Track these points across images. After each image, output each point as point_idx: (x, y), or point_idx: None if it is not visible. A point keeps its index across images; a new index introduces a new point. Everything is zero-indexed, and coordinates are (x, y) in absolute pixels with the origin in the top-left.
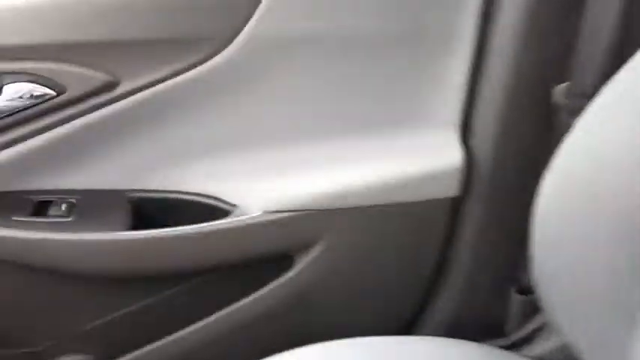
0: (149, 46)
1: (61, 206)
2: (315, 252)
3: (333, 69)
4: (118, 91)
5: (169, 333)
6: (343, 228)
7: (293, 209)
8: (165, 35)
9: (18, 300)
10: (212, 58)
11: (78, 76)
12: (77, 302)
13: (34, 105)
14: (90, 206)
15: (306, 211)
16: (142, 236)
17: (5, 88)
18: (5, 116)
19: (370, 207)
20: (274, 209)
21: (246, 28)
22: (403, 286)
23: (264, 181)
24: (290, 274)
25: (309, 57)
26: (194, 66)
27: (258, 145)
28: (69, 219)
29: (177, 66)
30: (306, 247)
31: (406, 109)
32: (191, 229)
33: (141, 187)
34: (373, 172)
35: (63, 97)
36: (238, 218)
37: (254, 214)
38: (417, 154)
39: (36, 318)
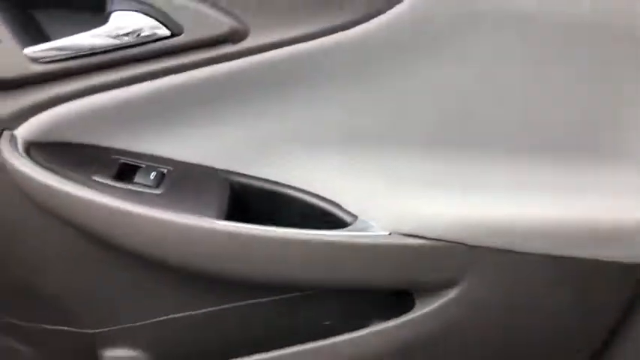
0: None
1: (149, 174)
2: (447, 295)
3: (526, 62)
4: (244, 44)
5: (238, 352)
6: (489, 273)
7: (429, 237)
8: None
9: (82, 273)
10: (363, 23)
11: (200, 16)
12: (146, 292)
13: (141, 43)
14: (182, 181)
15: (445, 243)
16: (245, 231)
17: (113, 16)
18: (103, 52)
19: (532, 255)
20: (406, 232)
21: None
22: None
23: (396, 195)
24: (410, 316)
25: (494, 41)
26: (340, 29)
27: (397, 148)
28: (157, 191)
29: (320, 25)
30: (436, 286)
31: (624, 138)
32: (303, 233)
33: (244, 171)
34: (548, 209)
35: (177, 40)
36: (361, 233)
37: (380, 233)
38: (617, 199)
39: (96, 298)
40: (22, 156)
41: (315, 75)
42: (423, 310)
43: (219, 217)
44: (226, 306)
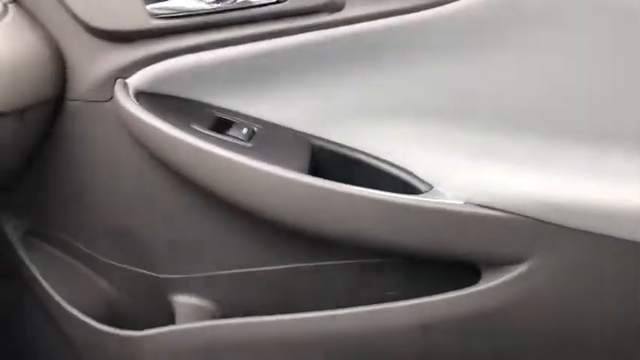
0: None
1: (242, 129)
2: (515, 270)
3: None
4: (342, 14)
5: (305, 308)
6: (559, 251)
7: (503, 209)
8: None
9: (169, 218)
10: None
11: None
12: (225, 243)
13: (246, 7)
14: (270, 139)
15: (518, 217)
16: (326, 186)
17: None
18: (214, 12)
19: (608, 237)
20: (479, 203)
21: None
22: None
23: (472, 167)
24: (474, 289)
25: (583, 29)
26: (435, 5)
27: (477, 122)
28: (248, 144)
29: (416, 1)
30: (503, 261)
31: None
32: (379, 194)
33: (324, 135)
34: (627, 194)
35: (279, 6)
36: (436, 200)
37: (455, 202)
38: None
39: (178, 244)
40: (133, 101)
41: (404, 48)
42: (487, 284)
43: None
44: (296, 265)
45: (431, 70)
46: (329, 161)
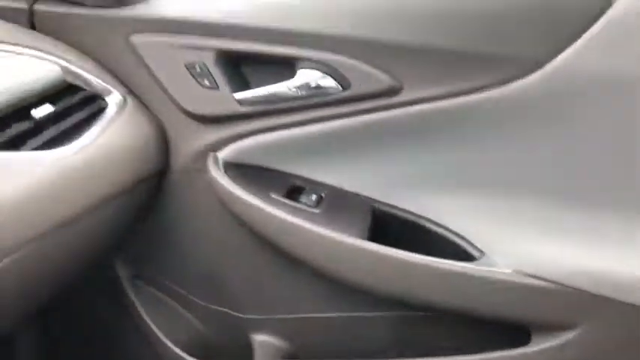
0: (445, 56)
1: (311, 196)
2: (565, 336)
3: None
4: (400, 98)
5: (363, 354)
6: (608, 321)
7: (550, 280)
8: (467, 48)
9: (251, 268)
10: (511, 82)
11: (365, 74)
12: (296, 291)
13: (319, 95)
14: (335, 204)
15: (565, 287)
16: (385, 252)
17: (299, 72)
18: (293, 99)
19: None
20: (528, 272)
21: (565, 55)
22: None
23: (523, 236)
24: (525, 350)
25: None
26: (488, 87)
27: (525, 193)
28: (316, 210)
29: (468, 84)
30: (553, 327)
31: None
32: (435, 261)
33: (386, 201)
34: None
35: (346, 93)
36: (487, 269)
37: (505, 270)
38: None
39: (258, 289)
40: (222, 172)
41: (459, 126)
42: (538, 346)
43: (362, 236)
44: (357, 314)
45: (485, 145)
46: (390, 224)
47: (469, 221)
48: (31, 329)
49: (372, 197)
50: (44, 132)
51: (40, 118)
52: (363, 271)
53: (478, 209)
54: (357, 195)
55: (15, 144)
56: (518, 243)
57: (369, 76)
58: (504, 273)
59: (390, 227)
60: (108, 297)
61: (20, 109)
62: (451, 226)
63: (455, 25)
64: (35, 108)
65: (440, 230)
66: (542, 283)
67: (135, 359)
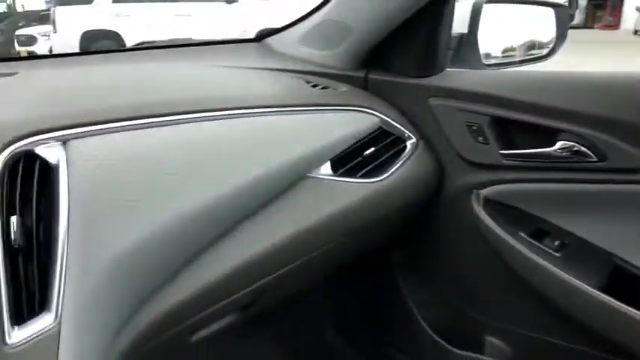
0: None
1: (555, 241)
2: None
3: None
4: None
5: None
6: None
7: None
8: None
9: (495, 279)
10: None
11: (620, 151)
12: (536, 314)
13: (575, 161)
14: (577, 252)
15: None
16: (618, 307)
17: (559, 143)
18: (550, 159)
19: None
20: None
21: None
22: None
23: None
24: None
25: None
26: None
27: None
28: (557, 254)
29: None
30: None
31: None
32: None
33: (627, 259)
34: None
35: (601, 164)
36: None
37: None
38: None
39: (501, 300)
40: (481, 206)
41: None
42: None
43: (598, 286)
44: (579, 347)
45: None
46: (628, 281)
47: None
48: (318, 293)
49: (614, 252)
50: (369, 165)
51: (366, 154)
52: (594, 318)
53: None
54: (598, 247)
55: (351, 173)
56: None
57: (624, 152)
58: None
59: (627, 283)
60: (383, 279)
61: (356, 148)
62: None
63: None
64: (366, 149)
65: None
66: None
67: (394, 331)
